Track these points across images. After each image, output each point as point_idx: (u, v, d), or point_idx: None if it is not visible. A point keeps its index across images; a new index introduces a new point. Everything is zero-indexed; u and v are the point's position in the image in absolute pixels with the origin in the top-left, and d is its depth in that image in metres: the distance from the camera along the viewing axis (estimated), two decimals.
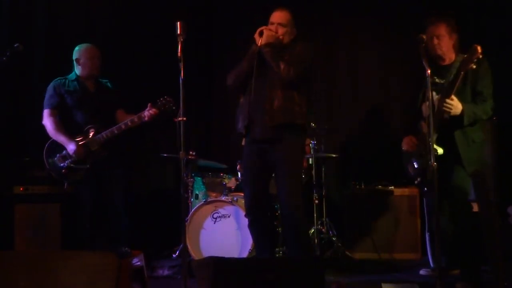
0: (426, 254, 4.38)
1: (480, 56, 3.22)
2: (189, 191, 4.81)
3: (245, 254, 4.24)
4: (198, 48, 5.57)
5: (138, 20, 5.41)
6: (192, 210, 4.47)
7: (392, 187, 4.90)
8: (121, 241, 3.89)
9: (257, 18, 3.76)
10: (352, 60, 5.55)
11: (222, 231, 4.36)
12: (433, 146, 3.04)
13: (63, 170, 3.95)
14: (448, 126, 3.39)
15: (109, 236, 4.00)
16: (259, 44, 3.50)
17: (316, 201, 4.74)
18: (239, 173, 4.70)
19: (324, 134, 4.87)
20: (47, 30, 5.14)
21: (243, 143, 3.85)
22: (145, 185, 5.52)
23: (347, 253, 4.69)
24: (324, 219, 4.83)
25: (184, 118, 3.11)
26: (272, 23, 3.60)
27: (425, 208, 4.50)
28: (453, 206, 3.50)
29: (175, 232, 4.28)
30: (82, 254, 2.49)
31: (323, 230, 4.76)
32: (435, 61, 3.57)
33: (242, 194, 4.09)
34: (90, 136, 3.97)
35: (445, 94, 3.32)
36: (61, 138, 3.97)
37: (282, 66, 3.45)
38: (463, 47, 3.49)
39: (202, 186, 4.88)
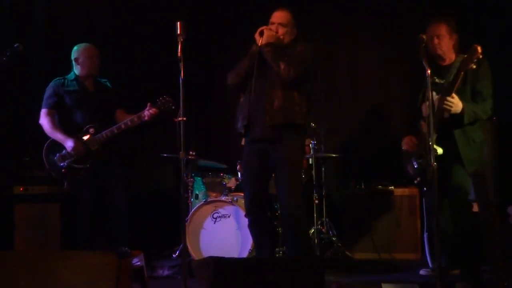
0: (426, 254, 4.38)
1: (480, 56, 3.23)
2: (189, 191, 4.81)
3: (245, 254, 4.24)
4: (198, 48, 5.57)
5: (138, 20, 5.41)
6: (192, 210, 4.47)
7: (392, 187, 4.90)
8: (121, 241, 3.88)
9: (257, 18, 3.76)
10: (352, 60, 5.55)
11: (222, 231, 4.36)
12: (433, 146, 3.04)
13: (63, 170, 3.95)
14: (448, 126, 3.39)
15: (109, 236, 4.00)
16: (259, 44, 3.50)
17: (316, 201, 4.74)
18: (239, 173, 4.71)
19: (324, 134, 4.87)
20: (47, 30, 5.14)
21: (242, 143, 3.85)
22: (145, 185, 5.52)
23: (347, 253, 4.69)
24: (324, 219, 4.83)
25: (184, 118, 3.11)
26: (273, 23, 3.60)
27: (424, 208, 4.50)
28: (453, 206, 3.50)
29: (175, 232, 4.28)
30: (82, 254, 2.49)
31: (323, 230, 4.76)
32: (435, 61, 3.57)
33: (242, 194, 4.09)
34: (89, 136, 3.97)
35: (445, 93, 3.32)
36: (58, 136, 3.96)
37: (282, 66, 3.45)
38: (463, 47, 3.49)
39: (202, 186, 4.88)
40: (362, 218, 4.87)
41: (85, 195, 3.99)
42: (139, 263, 3.34)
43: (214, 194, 4.70)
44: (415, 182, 3.65)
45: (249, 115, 3.53)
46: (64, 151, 3.95)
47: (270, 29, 3.56)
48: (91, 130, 3.99)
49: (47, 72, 4.71)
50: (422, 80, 3.32)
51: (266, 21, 3.62)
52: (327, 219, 4.84)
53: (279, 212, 4.13)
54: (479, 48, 3.22)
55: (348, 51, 5.57)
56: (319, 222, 4.72)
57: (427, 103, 3.07)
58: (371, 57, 5.48)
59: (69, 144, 3.91)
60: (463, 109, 3.31)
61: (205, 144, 5.75)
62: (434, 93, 3.29)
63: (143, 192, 5.44)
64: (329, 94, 5.51)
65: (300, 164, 3.74)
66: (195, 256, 4.33)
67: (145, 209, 5.25)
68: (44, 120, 4.03)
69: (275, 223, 4.41)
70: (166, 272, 4.27)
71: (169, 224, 4.85)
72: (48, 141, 4.01)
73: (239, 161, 4.66)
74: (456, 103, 3.30)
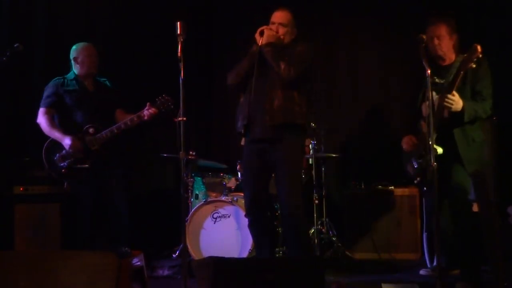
0: (424, 254, 4.38)
1: (480, 56, 3.22)
2: (189, 191, 4.81)
3: (245, 254, 4.24)
4: (198, 48, 5.57)
5: (138, 20, 5.41)
6: (192, 210, 4.47)
7: (392, 187, 4.90)
8: (121, 241, 3.88)
9: (257, 18, 3.76)
10: (352, 60, 5.55)
11: (222, 231, 4.36)
12: (433, 145, 3.04)
13: (63, 170, 3.95)
14: (448, 126, 3.39)
15: (109, 236, 4.00)
16: (259, 44, 3.50)
17: (316, 201, 4.74)
18: (239, 173, 4.71)
19: (324, 134, 4.87)
20: (47, 30, 5.14)
21: (242, 142, 3.85)
22: (145, 185, 5.51)
23: (347, 253, 4.69)
24: (324, 219, 4.83)
25: (184, 118, 3.11)
26: (273, 23, 3.60)
27: (424, 208, 4.50)
28: (453, 206, 3.50)
29: (175, 232, 4.28)
30: (82, 254, 2.49)
31: (323, 230, 4.76)
32: (435, 61, 3.57)
33: (242, 194, 4.09)
34: (89, 136, 3.97)
35: (445, 91, 3.32)
36: (56, 134, 3.97)
37: (282, 66, 3.45)
38: (463, 47, 3.49)
39: (202, 186, 4.88)
40: (362, 218, 4.87)
41: (85, 195, 3.99)
42: (139, 263, 3.34)
43: (214, 194, 4.70)
44: (415, 182, 3.65)
45: (249, 115, 3.53)
46: (64, 151, 3.96)
47: (271, 29, 3.56)
48: (91, 130, 3.98)
49: (47, 72, 4.71)
50: (422, 80, 3.32)
51: (266, 21, 3.62)
52: (327, 219, 4.84)
53: (279, 212, 4.13)
54: (479, 48, 3.22)
55: (348, 51, 5.56)
56: (319, 222, 4.72)
57: (427, 103, 3.07)
58: (371, 57, 5.48)
59: (66, 141, 3.91)
60: (463, 107, 3.31)
61: (205, 144, 5.75)
62: (434, 93, 3.29)
63: (143, 192, 5.44)
64: (329, 94, 5.51)
65: (300, 164, 3.74)
66: (195, 256, 4.33)
67: (145, 209, 5.24)
68: (41, 119, 4.03)
69: (275, 223, 4.41)
70: (166, 272, 4.27)
71: (169, 224, 4.85)
72: (47, 142, 4.01)
73: (239, 161, 4.66)
74: (456, 101, 3.29)
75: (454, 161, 3.42)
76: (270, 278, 2.78)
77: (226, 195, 4.56)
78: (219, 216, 4.40)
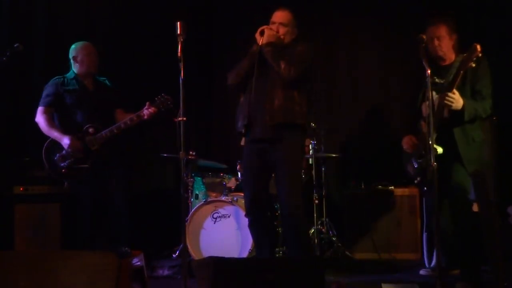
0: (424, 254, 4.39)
1: (480, 55, 3.23)
2: (189, 191, 4.81)
3: (245, 254, 4.24)
4: (198, 48, 5.57)
5: (138, 20, 5.41)
6: (192, 210, 4.47)
7: (392, 187, 4.90)
8: (121, 241, 3.88)
9: (257, 18, 3.76)
10: (352, 60, 5.55)
11: (222, 231, 4.36)
12: (433, 145, 3.04)
13: (63, 170, 3.95)
14: (448, 125, 3.39)
15: (109, 236, 3.99)
16: (260, 44, 3.50)
17: (316, 201, 4.74)
18: (239, 173, 4.71)
19: (324, 134, 4.87)
20: (47, 30, 5.14)
21: (242, 142, 3.85)
22: (145, 185, 5.51)
23: (347, 253, 4.69)
24: (324, 219, 4.83)
25: (184, 118, 3.11)
26: (274, 23, 3.60)
27: (424, 208, 4.50)
28: (453, 206, 3.50)
29: (175, 232, 4.28)
30: (82, 254, 2.49)
31: (323, 230, 4.75)
32: (435, 61, 3.57)
33: (242, 194, 4.09)
34: (89, 136, 3.97)
35: (446, 90, 3.32)
36: (54, 134, 3.96)
37: (283, 66, 3.45)
38: (463, 47, 3.49)
39: (202, 186, 4.88)
40: (362, 218, 4.87)
41: (85, 195, 3.99)
42: (139, 263, 3.34)
43: (214, 194, 4.70)
44: (415, 182, 3.65)
45: (249, 115, 3.53)
46: (64, 151, 3.95)
47: (271, 29, 3.56)
48: (90, 129, 3.98)
49: (47, 72, 4.70)
50: (422, 80, 3.31)
51: (266, 21, 3.62)
52: (327, 219, 4.84)
53: (279, 212, 4.12)
54: (478, 47, 3.22)
55: (348, 51, 5.56)
56: (319, 222, 4.72)
57: (427, 103, 3.07)
58: (371, 57, 5.48)
59: (65, 141, 3.91)
60: (463, 106, 3.31)
61: (205, 144, 5.75)
62: (434, 93, 3.29)
63: (143, 192, 5.44)
64: (329, 94, 5.51)
65: (300, 164, 3.74)
66: (195, 256, 4.33)
67: (145, 209, 5.24)
68: (40, 118, 4.03)
69: (275, 223, 4.41)
70: (166, 272, 4.27)
71: (169, 224, 4.85)
72: (47, 142, 4.01)
73: (239, 161, 4.66)
74: (457, 99, 3.29)
75: (454, 161, 3.42)
76: (270, 278, 2.78)
77: (226, 195, 4.56)
78: (219, 216, 4.40)
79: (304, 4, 5.14)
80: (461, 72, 3.29)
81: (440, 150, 3.31)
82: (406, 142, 3.70)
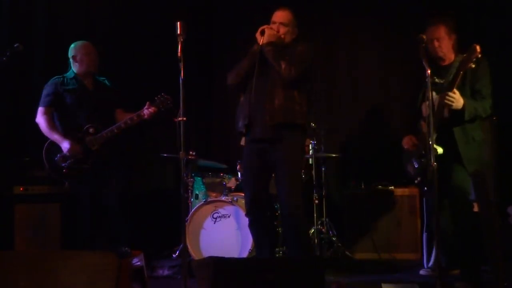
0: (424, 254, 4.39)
1: (479, 56, 3.23)
2: (189, 191, 4.81)
3: (245, 254, 4.24)
4: (198, 48, 5.57)
5: (138, 20, 5.41)
6: (192, 210, 4.47)
7: (392, 187, 4.90)
8: (121, 241, 3.88)
9: (257, 18, 3.75)
10: (352, 60, 5.55)
11: (222, 231, 4.36)
12: (433, 145, 3.04)
13: (64, 170, 3.95)
14: (448, 125, 3.39)
15: (109, 236, 3.99)
16: (260, 43, 3.50)
17: (316, 201, 4.74)
18: (239, 173, 4.70)
19: (324, 134, 4.87)
20: (47, 30, 5.14)
21: (242, 142, 3.85)
22: (145, 185, 5.51)
23: (347, 253, 4.69)
24: (324, 219, 4.83)
25: (184, 118, 3.11)
26: (274, 22, 3.60)
27: (424, 208, 4.50)
28: (453, 206, 3.50)
29: (175, 232, 4.28)
30: (82, 254, 2.49)
31: (323, 230, 4.75)
32: (435, 61, 3.57)
33: (242, 194, 4.09)
34: (89, 136, 3.97)
35: (446, 89, 3.32)
36: (55, 136, 3.96)
37: (283, 66, 3.45)
38: (463, 47, 3.49)
39: (202, 186, 4.88)
40: (362, 218, 4.87)
41: (85, 195, 3.99)
42: (139, 263, 3.34)
43: (214, 194, 4.70)
44: (416, 182, 3.65)
45: (249, 115, 3.53)
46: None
47: (271, 28, 3.56)
48: (91, 129, 3.98)
49: (47, 72, 4.70)
50: (422, 80, 3.31)
51: (266, 21, 3.62)
52: (327, 219, 4.84)
53: (279, 212, 4.12)
54: (478, 48, 3.22)
55: (348, 51, 5.56)
56: (319, 222, 4.72)
57: (427, 103, 3.07)
58: (371, 57, 5.48)
59: (65, 145, 3.91)
60: (464, 105, 3.32)
61: (205, 144, 5.75)
62: (434, 93, 3.29)
63: (143, 192, 5.44)
64: (329, 94, 5.51)
65: (300, 164, 3.73)
66: (195, 256, 4.33)
67: (145, 209, 5.24)
68: (41, 119, 4.02)
69: (275, 223, 4.41)
70: (166, 272, 4.27)
71: (169, 224, 4.84)
72: (47, 142, 4.00)
73: (239, 161, 4.66)
74: (457, 99, 3.30)
75: (454, 161, 3.42)
76: (270, 278, 2.78)
77: (226, 195, 4.56)
78: (219, 216, 4.40)
79: (304, 4, 5.14)
80: (461, 72, 3.29)
81: (440, 150, 3.31)
82: (406, 142, 3.70)
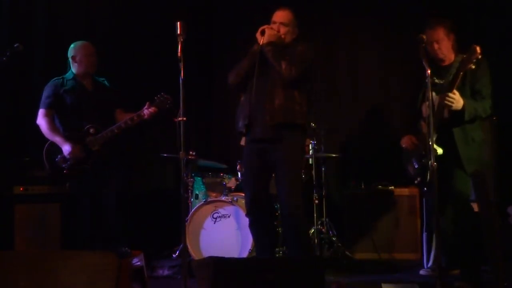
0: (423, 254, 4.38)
1: (479, 57, 3.23)
2: (189, 191, 4.81)
3: (245, 254, 4.24)
4: (198, 48, 5.57)
5: (138, 20, 5.41)
6: (192, 210, 4.47)
7: (392, 187, 4.90)
8: (121, 241, 3.88)
9: (257, 18, 3.75)
10: (352, 60, 5.55)
11: (222, 231, 4.36)
12: (433, 146, 3.04)
13: (64, 171, 3.95)
14: (448, 126, 3.39)
15: (109, 236, 3.99)
16: (260, 43, 3.49)
17: (316, 201, 4.74)
18: (239, 173, 4.70)
19: (324, 134, 4.87)
20: (47, 30, 5.14)
21: (242, 142, 3.85)
22: (145, 185, 5.51)
23: (347, 253, 4.69)
24: (324, 219, 4.83)
25: (184, 118, 3.11)
26: (274, 22, 3.60)
27: (424, 208, 4.50)
28: (453, 206, 3.50)
29: (175, 232, 4.28)
30: (82, 254, 2.49)
31: (323, 230, 4.75)
32: (435, 61, 3.57)
33: (242, 194, 4.09)
34: (90, 136, 3.97)
35: (446, 90, 3.32)
36: (56, 139, 3.95)
37: (283, 66, 3.45)
38: (463, 47, 3.49)
39: (202, 186, 4.88)
40: (362, 218, 4.87)
41: (85, 195, 3.99)
42: (139, 263, 3.34)
43: (214, 194, 4.70)
44: (416, 182, 3.65)
45: (249, 115, 3.53)
46: None
47: (272, 28, 3.56)
48: (91, 130, 3.98)
49: (47, 72, 4.71)
50: (422, 80, 3.32)
51: (266, 21, 3.62)
52: (327, 219, 4.84)
53: (279, 212, 4.12)
54: (478, 49, 3.22)
55: (348, 51, 5.56)
56: (319, 222, 4.72)
57: (427, 103, 3.07)
58: (371, 57, 5.48)
59: (66, 148, 3.90)
60: (463, 106, 3.32)
61: (205, 144, 5.75)
62: (433, 94, 3.29)
63: (143, 192, 5.44)
64: (329, 94, 5.51)
65: (300, 164, 3.73)
66: (195, 256, 4.33)
67: (145, 209, 5.24)
68: (42, 121, 4.02)
69: (275, 223, 4.41)
70: (166, 272, 4.27)
71: (169, 224, 4.84)
72: (47, 143, 3.99)
73: (239, 161, 4.66)
74: (457, 99, 3.30)
75: (454, 162, 3.42)
76: (270, 278, 2.78)
77: (226, 195, 4.56)
78: (219, 216, 4.40)
79: (304, 4, 5.13)
80: (461, 73, 3.29)
81: (440, 151, 3.31)
82: (405, 142, 3.70)
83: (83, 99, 4.05)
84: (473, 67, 3.26)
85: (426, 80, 3.01)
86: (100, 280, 2.35)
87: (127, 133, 4.08)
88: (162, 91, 4.03)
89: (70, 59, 4.11)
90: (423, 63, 3.02)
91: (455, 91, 3.29)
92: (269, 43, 3.50)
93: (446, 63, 3.57)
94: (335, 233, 4.79)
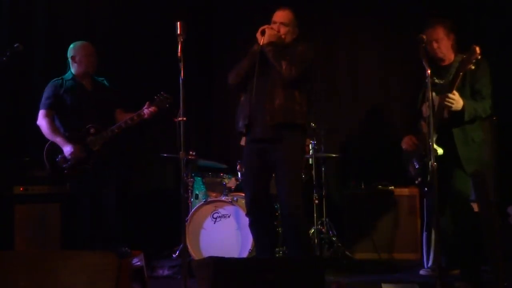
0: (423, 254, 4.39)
1: (479, 57, 3.23)
2: (189, 191, 4.81)
3: (245, 254, 4.24)
4: (198, 48, 5.57)
5: (138, 20, 5.41)
6: (192, 210, 4.47)
7: (392, 187, 4.90)
8: (120, 241, 3.88)
9: (257, 18, 3.76)
10: (352, 60, 5.55)
11: (222, 231, 4.36)
12: (433, 146, 3.04)
13: (65, 171, 3.95)
14: (448, 126, 3.39)
15: (109, 236, 3.99)
16: (261, 43, 3.49)
17: (316, 201, 4.74)
18: (239, 173, 4.70)
19: (324, 134, 4.87)
20: (47, 30, 5.14)
21: (242, 142, 3.85)
22: (145, 185, 5.51)
23: (347, 253, 4.69)
24: (324, 219, 4.83)
25: (184, 118, 3.11)
26: (275, 22, 3.60)
27: (425, 208, 4.50)
28: (453, 206, 3.50)
29: (175, 232, 4.28)
30: (82, 254, 2.49)
31: (323, 230, 4.75)
32: (435, 61, 3.57)
33: (242, 194, 4.09)
34: (90, 136, 3.97)
35: (446, 91, 3.32)
36: (57, 139, 3.95)
37: (284, 66, 3.45)
38: (463, 47, 3.49)
39: (202, 186, 4.88)
40: (362, 218, 4.87)
41: (85, 195, 3.99)
42: (139, 263, 3.34)
43: (214, 194, 4.70)
44: (416, 182, 3.65)
45: (250, 115, 3.53)
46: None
47: (272, 28, 3.56)
48: (92, 130, 3.98)
49: (47, 72, 4.71)
50: (422, 80, 3.32)
51: (266, 21, 3.62)
52: (327, 219, 4.84)
53: (279, 212, 4.12)
54: (477, 49, 3.22)
55: (348, 51, 5.57)
56: (319, 222, 4.72)
57: (427, 103, 3.07)
58: (371, 57, 5.48)
59: (67, 149, 3.90)
60: (463, 106, 3.32)
61: (205, 144, 5.75)
62: (433, 94, 3.29)
63: (143, 192, 5.44)
64: (329, 94, 5.51)
65: (300, 164, 3.73)
66: (195, 256, 4.33)
67: (145, 209, 5.24)
68: (42, 122, 4.01)
69: (275, 223, 4.41)
70: (166, 272, 4.27)
71: (169, 224, 4.84)
72: (48, 144, 3.99)
73: (239, 161, 4.66)
74: (457, 100, 3.30)
75: (454, 162, 3.42)
76: (270, 278, 2.78)
77: (226, 195, 4.56)
78: (219, 216, 4.40)
79: (304, 4, 5.13)
80: (460, 74, 3.29)
81: (440, 151, 3.31)
82: (406, 142, 3.70)
83: (82, 99, 4.05)
84: (473, 67, 3.26)
85: (426, 80, 3.01)
86: (100, 280, 2.35)
87: (127, 133, 4.08)
88: (162, 91, 4.04)
89: (69, 59, 4.11)
90: (423, 63, 3.03)
91: (455, 91, 3.30)
92: (269, 43, 3.50)
93: (446, 63, 3.57)
94: (335, 233, 4.79)
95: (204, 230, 4.40)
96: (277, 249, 4.39)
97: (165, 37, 3.75)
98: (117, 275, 2.36)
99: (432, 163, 2.96)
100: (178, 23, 3.14)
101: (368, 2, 5.39)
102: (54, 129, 3.99)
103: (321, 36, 5.44)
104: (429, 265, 4.20)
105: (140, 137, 5.25)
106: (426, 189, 3.64)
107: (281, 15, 3.61)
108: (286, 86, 3.48)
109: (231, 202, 4.37)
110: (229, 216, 4.38)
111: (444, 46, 3.54)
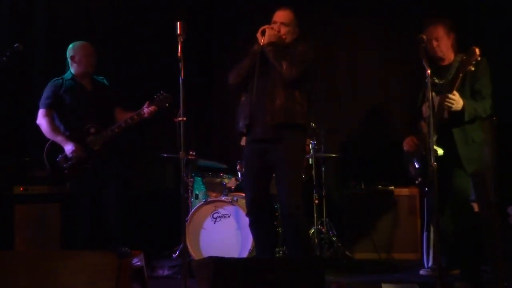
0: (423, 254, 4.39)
1: (479, 58, 3.23)
2: (189, 191, 4.81)
3: (245, 254, 4.24)
4: (198, 48, 5.57)
5: (138, 20, 5.41)
6: (192, 210, 4.47)
7: (392, 187, 4.90)
8: (120, 241, 3.88)
9: (257, 18, 3.75)
10: (352, 60, 5.55)
11: (222, 231, 4.36)
12: (433, 146, 3.04)
13: (65, 171, 3.95)
14: (448, 126, 3.39)
15: (109, 236, 3.99)
16: (261, 43, 3.49)
17: (316, 201, 4.74)
18: (239, 173, 4.71)
19: (324, 134, 4.87)
20: (47, 30, 5.14)
21: (242, 142, 3.84)
22: (145, 185, 5.51)
23: (347, 253, 4.69)
24: (324, 219, 4.83)
25: (184, 118, 3.11)
26: (275, 22, 3.60)
27: (425, 208, 4.50)
28: (453, 206, 3.50)
29: (175, 232, 4.28)
30: (82, 254, 2.49)
31: (323, 230, 4.75)
32: (434, 61, 3.57)
33: (242, 194, 4.09)
34: (90, 136, 3.97)
35: (446, 91, 3.32)
36: (58, 138, 3.96)
37: (284, 66, 3.45)
38: (463, 47, 3.49)
39: (202, 186, 4.88)
40: (362, 218, 4.87)
41: (85, 195, 3.99)
42: (139, 263, 3.34)
43: (214, 194, 4.70)
44: (417, 182, 3.65)
45: (250, 115, 3.53)
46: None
47: (272, 28, 3.56)
48: (92, 129, 3.98)
49: (47, 72, 4.71)
50: (422, 80, 3.32)
51: (266, 21, 3.62)
52: (327, 219, 4.84)
53: (279, 212, 4.12)
54: (477, 50, 3.22)
55: (348, 51, 5.57)
56: (319, 222, 4.72)
57: (427, 103, 3.07)
58: (371, 57, 5.48)
59: (69, 147, 3.90)
60: (463, 106, 3.32)
61: (205, 144, 5.75)
62: (433, 94, 3.29)
63: (143, 192, 5.44)
64: (329, 94, 5.51)
65: (300, 164, 3.73)
66: (195, 256, 4.33)
67: (145, 209, 5.24)
68: (42, 121, 4.02)
69: (275, 223, 4.41)
70: (166, 272, 4.27)
71: (169, 224, 4.84)
72: (48, 143, 4.00)
73: (239, 161, 4.66)
74: (457, 100, 3.30)
75: (454, 162, 3.42)
76: (270, 278, 2.78)
77: (226, 195, 4.56)
78: (219, 216, 4.40)
79: (304, 4, 5.13)
80: (460, 75, 3.29)
81: (440, 151, 3.31)
82: (407, 143, 3.69)
83: (82, 99, 4.06)
84: (473, 69, 3.26)
85: (426, 80, 3.01)
86: (100, 280, 2.35)
87: (127, 132, 4.09)
88: (161, 90, 4.04)
89: (69, 59, 4.11)
90: (423, 63, 3.03)
91: (455, 92, 3.30)
92: (269, 43, 3.50)
93: (446, 62, 3.57)
94: (335, 233, 4.79)
95: (204, 230, 4.40)
96: (277, 249, 4.39)
97: (165, 37, 3.74)
98: (117, 275, 2.36)
99: (432, 163, 2.96)
100: (178, 23, 3.14)
101: (368, 2, 5.39)
102: (54, 128, 3.99)
103: (321, 36, 5.44)
104: (429, 265, 4.20)
105: (140, 137, 5.25)
106: (426, 189, 3.64)
107: (281, 15, 3.61)
108: (287, 86, 3.48)
109: (231, 202, 4.37)
110: (229, 216, 4.38)
111: (444, 45, 3.53)
